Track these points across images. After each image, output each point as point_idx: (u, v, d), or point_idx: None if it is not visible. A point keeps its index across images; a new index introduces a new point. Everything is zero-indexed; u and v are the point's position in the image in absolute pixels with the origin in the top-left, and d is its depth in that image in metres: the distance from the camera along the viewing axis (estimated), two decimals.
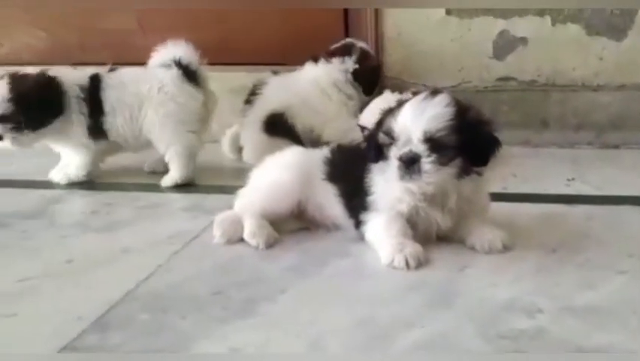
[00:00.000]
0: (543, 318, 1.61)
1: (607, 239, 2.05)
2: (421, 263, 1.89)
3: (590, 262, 1.90)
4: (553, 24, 3.00)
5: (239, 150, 3.06)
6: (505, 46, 3.06)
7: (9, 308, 1.75)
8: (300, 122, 2.91)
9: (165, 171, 2.80)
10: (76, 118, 2.74)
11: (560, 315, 1.62)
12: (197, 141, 2.82)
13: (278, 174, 2.15)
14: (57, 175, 2.82)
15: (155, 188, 2.74)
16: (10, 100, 2.61)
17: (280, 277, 1.88)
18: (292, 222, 2.18)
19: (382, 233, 1.95)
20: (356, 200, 2.03)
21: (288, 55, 3.11)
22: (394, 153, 1.87)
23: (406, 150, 1.85)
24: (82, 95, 2.75)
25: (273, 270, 1.93)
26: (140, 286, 1.85)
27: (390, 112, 1.95)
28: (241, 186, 2.43)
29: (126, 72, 2.82)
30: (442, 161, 1.85)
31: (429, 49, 3.10)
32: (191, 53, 2.82)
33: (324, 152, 2.18)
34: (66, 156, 2.84)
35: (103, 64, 2.94)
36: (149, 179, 2.85)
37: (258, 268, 1.95)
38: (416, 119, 1.85)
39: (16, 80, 2.65)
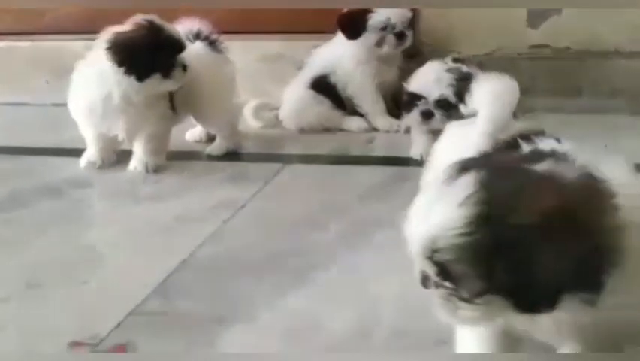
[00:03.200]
0: None
1: None
2: None
3: None
4: None
5: (264, 117, 3.18)
6: (539, 14, 3.09)
7: (80, 276, 1.87)
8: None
9: (208, 140, 2.90)
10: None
11: None
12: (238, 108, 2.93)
13: None
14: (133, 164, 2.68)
15: (199, 157, 2.83)
16: None
17: (329, 246, 1.97)
18: None
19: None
20: None
21: (322, 23, 3.15)
22: None
23: None
24: None
25: (322, 239, 2.03)
26: (194, 254, 1.96)
27: None
28: (281, 155, 2.56)
29: None
30: None
31: (464, 17, 3.14)
32: (207, 25, 2.84)
33: None
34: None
35: None
36: (191, 148, 2.95)
37: (307, 238, 2.04)
38: None
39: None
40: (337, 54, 3.07)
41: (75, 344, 1.56)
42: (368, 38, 2.99)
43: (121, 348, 1.54)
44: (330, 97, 3.07)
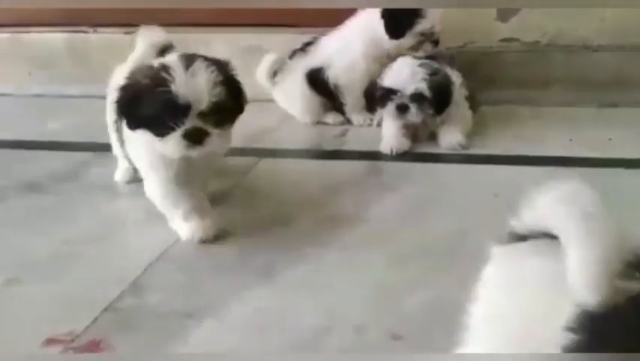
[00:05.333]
0: None
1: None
2: None
3: None
4: None
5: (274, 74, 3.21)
6: (509, 8, 3.16)
7: (57, 272, 1.95)
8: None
9: None
10: None
11: None
12: None
13: None
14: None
15: None
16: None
17: (299, 243, 2.05)
18: None
19: None
20: None
21: (298, 16, 3.22)
22: None
23: None
24: None
25: (290, 236, 2.11)
26: (168, 250, 2.04)
27: None
28: (257, 149, 2.63)
29: None
30: None
31: None
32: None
33: None
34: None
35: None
36: None
37: (278, 234, 2.12)
38: None
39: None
40: (340, 47, 3.06)
41: (51, 341, 1.64)
42: (408, 41, 2.95)
43: (95, 344, 1.63)
44: (321, 91, 3.10)
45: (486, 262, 1.68)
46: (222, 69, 1.99)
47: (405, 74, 2.67)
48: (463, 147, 2.69)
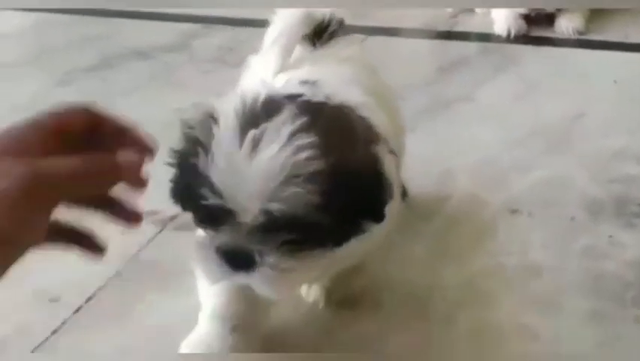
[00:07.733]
0: None
1: None
2: None
3: None
4: None
5: None
6: None
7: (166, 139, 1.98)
8: None
9: None
10: None
11: None
12: None
13: None
14: None
15: None
16: None
17: (409, 117, 2.02)
18: None
19: None
20: None
21: None
22: None
23: None
24: None
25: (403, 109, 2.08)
26: None
27: None
28: (364, 27, 2.56)
29: None
30: None
31: None
32: None
33: None
34: None
35: None
36: None
37: None
38: None
39: None
40: None
41: None
42: None
43: None
44: None
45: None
46: None
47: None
48: (580, 33, 2.57)
